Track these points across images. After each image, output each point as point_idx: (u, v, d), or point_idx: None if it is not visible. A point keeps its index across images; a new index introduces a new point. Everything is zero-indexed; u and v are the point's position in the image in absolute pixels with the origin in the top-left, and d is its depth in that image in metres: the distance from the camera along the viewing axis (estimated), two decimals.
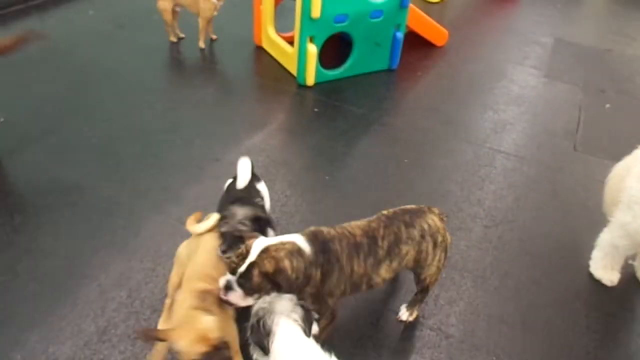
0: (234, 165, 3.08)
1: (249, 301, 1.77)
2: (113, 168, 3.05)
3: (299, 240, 1.84)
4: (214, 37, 4.56)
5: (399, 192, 3.03)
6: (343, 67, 4.13)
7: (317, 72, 3.97)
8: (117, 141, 3.29)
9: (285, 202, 2.87)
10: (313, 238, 1.86)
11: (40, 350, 2.05)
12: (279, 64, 4.28)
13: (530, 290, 2.50)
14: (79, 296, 2.28)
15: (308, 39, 3.79)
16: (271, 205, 2.81)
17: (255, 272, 1.72)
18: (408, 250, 1.95)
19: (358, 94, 3.97)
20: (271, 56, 4.39)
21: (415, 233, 1.96)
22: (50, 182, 2.90)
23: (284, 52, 4.18)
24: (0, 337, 2.10)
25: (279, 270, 1.72)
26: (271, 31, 4.34)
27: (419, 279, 2.12)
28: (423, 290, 2.19)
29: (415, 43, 4.63)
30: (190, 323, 1.64)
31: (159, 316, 2.17)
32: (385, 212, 2.02)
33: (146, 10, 4.85)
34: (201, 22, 4.36)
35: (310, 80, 3.96)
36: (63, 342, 2.09)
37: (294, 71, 4.07)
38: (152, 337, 1.76)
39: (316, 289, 1.84)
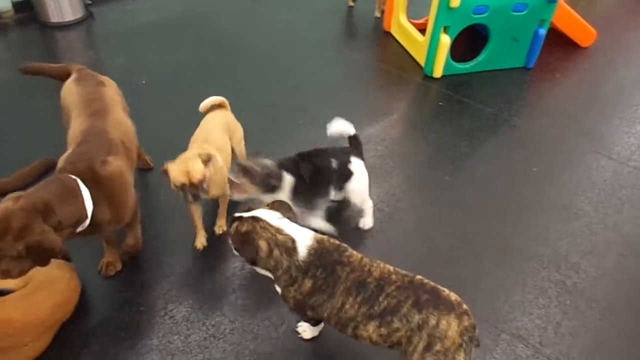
0: None
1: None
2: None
3: (303, 242, 1.71)
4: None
5: (525, 203, 2.80)
6: (475, 60, 3.90)
7: (447, 64, 3.79)
8: (245, 113, 3.38)
9: (400, 197, 2.78)
10: (324, 252, 1.70)
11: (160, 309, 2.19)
12: (405, 52, 4.14)
13: None
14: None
15: (442, 29, 3.61)
16: (385, 198, 2.75)
17: (234, 225, 1.75)
18: (398, 329, 1.62)
19: (488, 92, 3.73)
20: (398, 44, 4.27)
21: (415, 319, 1.59)
22: (177, 146, 3.06)
23: (413, 40, 4.04)
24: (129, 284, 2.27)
25: (248, 241, 1.69)
26: (402, 17, 4.21)
27: None
28: None
29: (557, 41, 4.24)
30: (184, 162, 2.06)
31: (269, 291, 2.21)
32: (419, 277, 1.69)
33: None
34: None
35: (438, 72, 3.79)
36: (180, 302, 2.21)
37: (421, 61, 3.92)
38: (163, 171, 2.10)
39: (301, 296, 1.73)
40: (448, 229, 2.62)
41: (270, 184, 2.13)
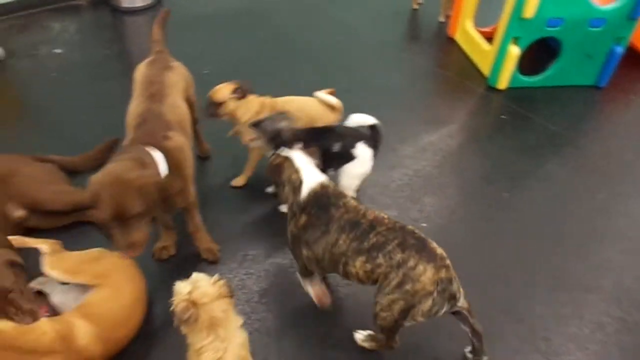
0: (409, 158, 3.01)
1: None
2: None
3: (308, 184, 1.92)
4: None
5: (587, 230, 2.66)
6: (543, 74, 3.74)
7: (512, 76, 3.65)
8: None
9: (454, 210, 2.70)
10: (323, 195, 1.90)
11: None
12: (468, 60, 4.02)
13: None
14: (248, 253, 2.39)
15: (512, 40, 3.48)
16: (439, 209, 2.68)
17: (273, 157, 2.06)
18: (381, 264, 1.74)
19: (554, 108, 3.57)
20: (462, 51, 4.14)
21: (397, 257, 1.71)
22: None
23: (479, 49, 3.91)
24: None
25: (275, 172, 2.02)
26: (469, 24, 4.08)
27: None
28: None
29: (633, 61, 4.00)
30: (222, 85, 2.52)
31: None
32: (411, 227, 1.81)
33: None
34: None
35: (503, 83, 3.66)
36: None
37: (486, 70, 3.79)
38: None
39: (297, 229, 1.94)
40: (502, 248, 2.52)
41: (275, 144, 2.17)
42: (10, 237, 2.05)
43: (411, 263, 1.69)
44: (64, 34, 4.00)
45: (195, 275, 1.64)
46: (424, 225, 2.58)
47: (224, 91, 2.53)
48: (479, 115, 3.57)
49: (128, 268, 2.02)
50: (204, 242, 2.33)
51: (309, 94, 3.49)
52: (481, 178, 2.96)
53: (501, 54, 3.54)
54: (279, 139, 2.16)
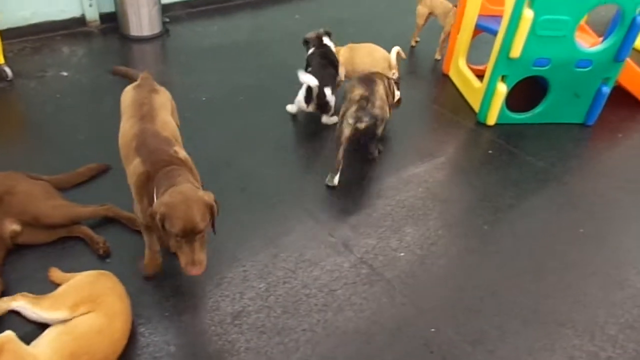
0: (393, 189, 3.08)
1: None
2: (284, 162, 3.25)
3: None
4: (404, 56, 4.46)
5: (566, 264, 2.69)
6: (531, 112, 3.83)
7: (501, 113, 3.74)
8: (290, 138, 3.48)
9: (435, 241, 2.75)
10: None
11: (175, 319, 2.25)
12: (461, 96, 4.13)
13: None
14: (225, 276, 2.45)
15: (500, 78, 3.59)
16: (420, 240, 2.73)
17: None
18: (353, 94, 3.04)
19: (541, 145, 3.64)
20: (455, 88, 4.26)
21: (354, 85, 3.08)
22: (226, 162, 3.18)
23: (470, 86, 4.02)
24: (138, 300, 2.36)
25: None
26: (462, 62, 4.21)
27: None
28: None
29: (622, 99, 4.08)
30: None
31: (288, 317, 2.24)
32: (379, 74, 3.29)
33: (341, 21, 5.09)
34: (443, 35, 4.61)
35: (491, 119, 3.75)
36: (200, 315, 2.27)
37: (476, 107, 3.89)
38: None
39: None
40: (480, 280, 2.55)
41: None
42: None
43: (355, 86, 3.01)
44: (72, 58, 4.18)
45: None
46: (402, 254, 2.63)
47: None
48: (467, 149, 3.65)
49: (115, 295, 2.09)
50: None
51: (297, 123, 3.61)
52: (464, 210, 3.02)
53: (489, 91, 3.65)
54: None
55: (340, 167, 3.00)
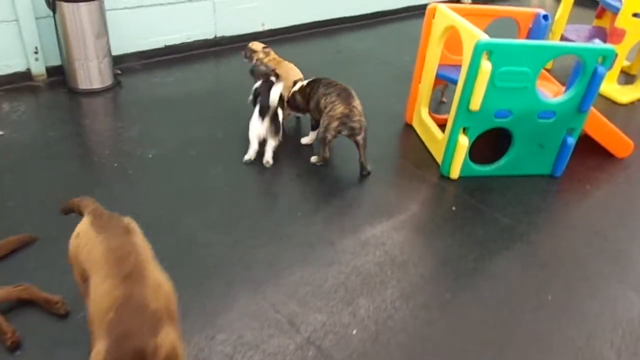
0: (348, 254, 2.85)
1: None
2: (231, 224, 3.00)
3: None
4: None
5: (534, 336, 2.46)
6: (496, 164, 3.68)
7: (464, 166, 3.58)
8: (240, 195, 3.25)
9: (391, 314, 2.50)
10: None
11: None
12: (425, 148, 3.98)
13: None
14: None
15: (461, 130, 3.44)
16: (374, 314, 2.49)
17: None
18: (326, 103, 3.54)
19: (507, 199, 3.47)
20: (419, 138, 4.12)
21: (333, 99, 3.49)
22: (168, 225, 2.92)
23: (432, 137, 3.88)
24: None
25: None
26: (424, 112, 4.08)
27: None
28: None
29: (589, 148, 3.97)
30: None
31: None
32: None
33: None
34: None
35: (454, 173, 3.58)
36: None
37: (439, 159, 3.73)
38: None
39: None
40: (440, 354, 2.31)
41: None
42: None
43: (336, 103, 3.40)
44: (11, 115, 3.93)
45: None
46: (354, 332, 2.37)
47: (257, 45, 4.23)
48: (429, 206, 3.46)
49: None
50: None
51: (249, 181, 3.35)
52: (425, 277, 2.78)
53: (451, 143, 3.50)
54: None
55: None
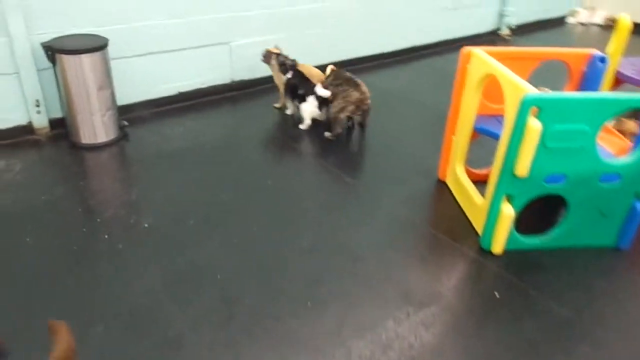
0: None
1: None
2: (222, 318, 2.51)
3: None
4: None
5: None
6: (548, 234, 3.08)
7: (509, 238, 3.00)
8: (235, 284, 2.77)
9: None
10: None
11: None
12: (461, 211, 3.42)
13: None
14: None
15: (504, 198, 2.88)
16: None
17: None
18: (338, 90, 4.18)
19: (562, 281, 2.86)
20: (454, 198, 3.56)
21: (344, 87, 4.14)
22: (150, 318, 2.47)
23: (470, 201, 3.32)
24: None
25: None
26: (459, 170, 3.53)
27: None
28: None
29: None
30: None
31: None
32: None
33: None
34: None
35: (497, 248, 3.01)
36: None
37: (479, 228, 3.17)
38: None
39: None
40: None
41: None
42: None
43: (349, 91, 4.05)
44: (5, 175, 3.63)
45: None
46: None
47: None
48: (467, 292, 2.85)
49: None
50: None
51: (250, 254, 2.82)
52: None
53: (493, 213, 2.94)
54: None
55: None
